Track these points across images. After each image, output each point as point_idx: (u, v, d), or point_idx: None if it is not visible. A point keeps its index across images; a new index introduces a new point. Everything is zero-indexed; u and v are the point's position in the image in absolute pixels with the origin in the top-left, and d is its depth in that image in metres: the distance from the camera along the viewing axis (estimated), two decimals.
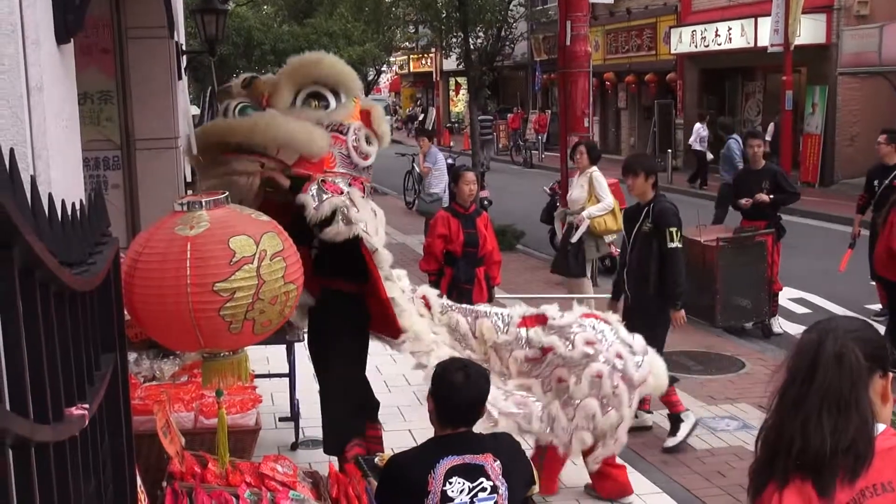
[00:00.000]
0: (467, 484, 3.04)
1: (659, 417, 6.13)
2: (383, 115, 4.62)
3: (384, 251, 4.30)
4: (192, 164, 4.73)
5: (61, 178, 2.62)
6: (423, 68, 41.90)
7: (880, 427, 2.00)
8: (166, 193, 5.61)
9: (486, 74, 16.53)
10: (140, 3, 6.01)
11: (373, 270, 4.32)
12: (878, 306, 8.66)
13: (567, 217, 8.79)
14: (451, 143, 30.02)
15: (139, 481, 2.73)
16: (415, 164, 15.79)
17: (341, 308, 4.67)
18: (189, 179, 7.30)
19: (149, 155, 6.18)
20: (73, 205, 1.80)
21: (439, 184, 12.03)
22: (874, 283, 8.19)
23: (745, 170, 9.07)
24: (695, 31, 21.75)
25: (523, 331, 4.64)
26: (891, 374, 2.05)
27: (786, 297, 9.45)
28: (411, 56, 40.83)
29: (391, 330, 4.53)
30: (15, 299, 1.27)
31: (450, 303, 4.95)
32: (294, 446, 5.59)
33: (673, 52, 22.92)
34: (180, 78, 6.66)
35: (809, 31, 18.03)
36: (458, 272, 6.60)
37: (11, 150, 1.33)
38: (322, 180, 4.15)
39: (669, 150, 21.73)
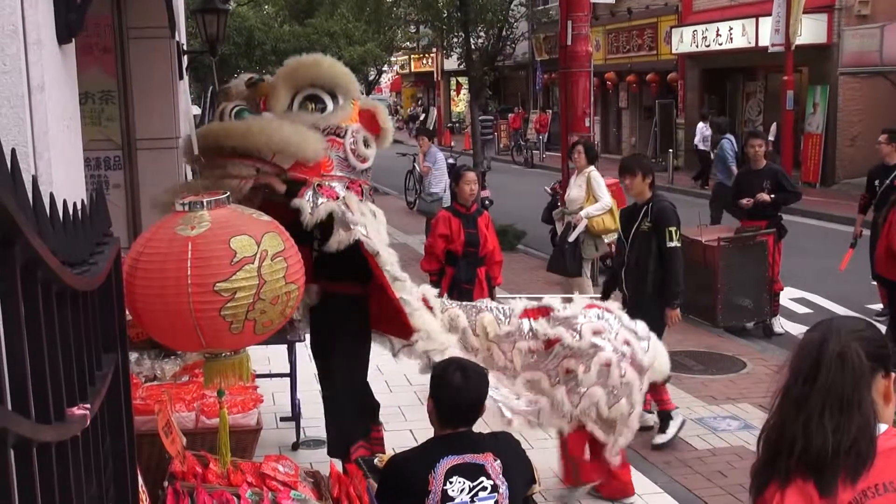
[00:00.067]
0: (468, 483, 3.04)
1: None
2: (387, 113, 4.61)
3: (386, 252, 4.26)
4: (190, 165, 4.71)
5: (63, 178, 2.62)
6: (424, 68, 41.90)
7: (882, 427, 2.00)
8: None
9: (488, 74, 16.55)
10: (141, 2, 6.02)
11: (377, 272, 4.30)
12: (879, 306, 8.66)
13: (565, 216, 8.80)
14: (452, 143, 30.03)
15: (140, 481, 2.73)
16: (415, 164, 15.79)
17: (342, 309, 4.66)
18: (190, 179, 7.30)
19: (150, 155, 6.19)
20: (75, 205, 1.80)
21: (439, 183, 12.03)
22: (875, 282, 8.19)
23: (746, 170, 9.06)
24: (696, 30, 21.75)
25: (526, 321, 4.63)
26: (893, 374, 2.05)
27: (787, 296, 9.45)
28: (412, 56, 40.85)
29: (403, 331, 4.49)
30: (17, 299, 1.27)
31: (449, 301, 4.95)
32: (295, 446, 5.59)
33: (674, 51, 22.92)
34: (181, 78, 6.67)
35: (810, 30, 18.03)
36: (459, 272, 6.60)
37: (13, 150, 1.33)
38: (318, 184, 4.10)
39: (671, 150, 21.73)
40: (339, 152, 4.21)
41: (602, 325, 4.55)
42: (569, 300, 4.88)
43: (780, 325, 8.71)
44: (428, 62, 40.35)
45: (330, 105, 4.25)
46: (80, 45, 3.30)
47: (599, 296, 6.13)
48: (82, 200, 1.98)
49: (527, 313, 4.69)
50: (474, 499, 3.03)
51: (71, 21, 2.71)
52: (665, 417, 5.85)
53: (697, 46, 21.72)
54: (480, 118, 17.74)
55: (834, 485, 1.93)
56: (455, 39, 17.40)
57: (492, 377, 4.35)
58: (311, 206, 4.04)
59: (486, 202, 12.04)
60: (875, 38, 16.62)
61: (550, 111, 28.17)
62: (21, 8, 2.31)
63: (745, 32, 19.67)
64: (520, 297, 5.20)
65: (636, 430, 4.72)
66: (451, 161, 14.16)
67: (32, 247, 1.30)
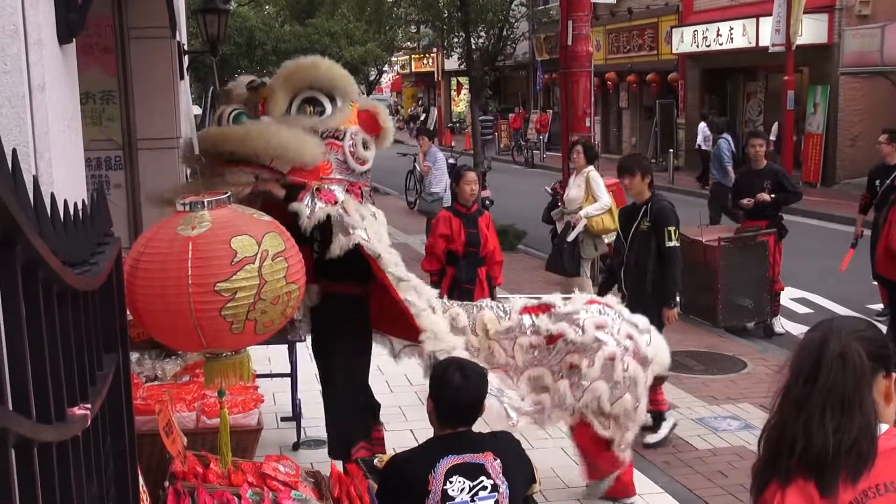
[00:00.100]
0: (468, 483, 3.04)
1: None
2: (388, 113, 4.60)
3: (388, 254, 4.23)
4: (189, 167, 4.69)
5: (64, 178, 2.62)
6: (424, 68, 41.90)
7: (883, 427, 2.00)
8: None
9: (488, 74, 16.56)
10: (142, 2, 6.02)
11: (380, 275, 4.29)
12: (879, 306, 8.65)
13: (564, 216, 8.80)
14: (453, 143, 30.03)
15: (141, 481, 2.73)
16: (416, 164, 15.79)
17: (342, 309, 4.65)
18: (191, 180, 7.29)
19: (151, 155, 6.19)
20: (76, 205, 1.80)
21: (440, 183, 12.03)
22: (875, 282, 8.19)
23: (746, 170, 9.05)
24: (696, 30, 21.75)
25: (527, 317, 4.63)
26: (894, 375, 2.05)
27: (787, 296, 9.45)
28: (413, 56, 40.86)
29: (409, 332, 4.45)
30: (18, 299, 1.27)
31: (449, 301, 4.95)
32: (296, 446, 5.59)
33: (674, 51, 22.92)
34: (182, 78, 6.67)
35: (811, 30, 18.03)
36: (459, 272, 6.61)
37: (14, 151, 1.33)
38: (317, 188, 4.08)
39: (671, 150, 21.73)
40: (338, 155, 4.19)
41: (604, 319, 4.57)
42: (568, 299, 4.88)
43: (781, 325, 8.71)
44: (428, 62, 40.35)
45: (328, 108, 4.22)
46: (80, 45, 3.30)
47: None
48: (83, 200, 1.98)
49: (526, 310, 4.70)
50: (474, 498, 3.03)
51: (72, 21, 2.71)
52: (658, 417, 5.87)
53: (698, 46, 21.72)
54: (480, 118, 17.73)
55: (835, 485, 1.93)
56: (456, 39, 17.41)
57: (496, 380, 4.36)
58: (309, 210, 4.03)
59: (487, 202, 12.04)
60: (876, 38, 16.62)
61: (551, 111, 28.18)
62: (22, 8, 2.31)
63: (746, 32, 19.67)
64: (519, 297, 5.21)
65: (643, 423, 4.74)
66: (451, 161, 14.16)
67: (33, 247, 1.30)
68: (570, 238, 8.45)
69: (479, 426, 3.32)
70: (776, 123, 19.23)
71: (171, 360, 4.58)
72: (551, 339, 4.58)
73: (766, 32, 18.12)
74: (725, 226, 10.03)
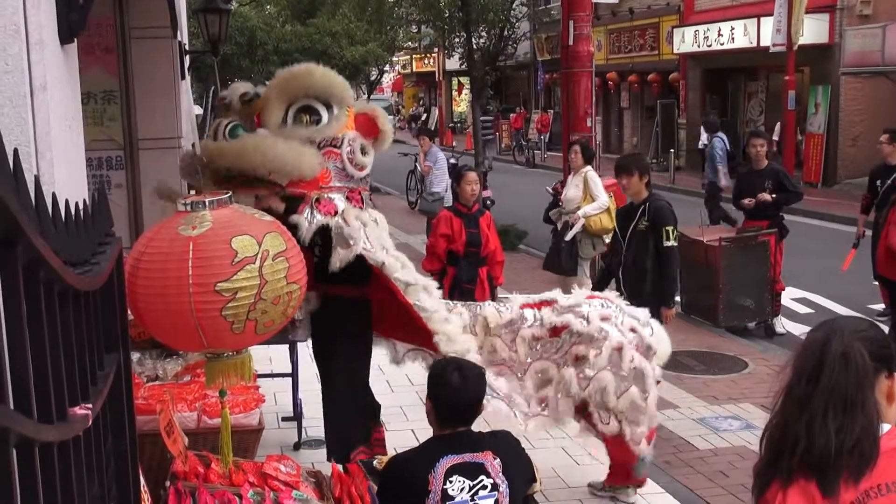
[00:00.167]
0: (468, 482, 3.04)
1: (662, 418, 6.12)
2: (386, 116, 4.59)
3: (392, 259, 4.19)
4: (189, 181, 4.64)
5: (65, 178, 2.62)
6: (425, 68, 41.89)
7: (885, 427, 2.00)
8: None
9: (489, 74, 16.55)
10: (143, 2, 6.02)
11: (384, 281, 4.24)
12: (881, 306, 8.65)
13: (562, 216, 8.79)
14: (454, 143, 30.03)
15: (142, 481, 2.73)
16: (417, 164, 15.80)
17: (342, 312, 4.64)
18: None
19: (152, 155, 6.18)
20: (77, 204, 1.80)
21: (441, 183, 12.04)
22: (877, 282, 8.18)
23: (747, 170, 9.06)
24: (697, 30, 21.75)
25: (530, 311, 4.63)
26: None
27: (789, 296, 9.45)
28: (414, 56, 40.84)
29: (420, 335, 4.41)
30: (19, 299, 1.27)
31: (451, 302, 4.94)
32: (297, 446, 5.59)
33: (676, 51, 22.91)
34: (183, 78, 6.67)
35: (812, 30, 18.02)
36: (460, 272, 6.60)
37: (15, 150, 1.33)
38: (317, 199, 4.06)
39: (672, 150, 21.72)
40: (336, 163, 4.15)
41: (608, 311, 4.58)
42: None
43: (782, 325, 8.71)
44: (429, 62, 40.34)
45: (324, 116, 4.17)
46: (82, 45, 3.30)
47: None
48: (84, 200, 1.98)
49: (528, 305, 4.69)
50: (474, 497, 3.03)
51: (73, 21, 2.71)
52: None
53: (699, 46, 21.71)
54: (482, 118, 17.73)
55: (836, 485, 1.92)
56: (457, 39, 17.41)
57: (505, 386, 4.35)
58: (308, 223, 4.01)
59: (488, 202, 12.04)
60: (877, 37, 16.61)
61: (552, 111, 28.17)
62: (23, 8, 2.31)
63: (747, 32, 19.66)
64: (519, 296, 5.21)
65: (656, 416, 4.72)
66: (452, 161, 14.17)
67: (35, 247, 1.30)
68: (568, 237, 8.45)
69: (480, 426, 3.32)
70: (778, 123, 19.22)
71: (172, 360, 4.58)
72: (555, 331, 4.57)
73: (767, 32, 18.12)
74: (726, 226, 10.03)
